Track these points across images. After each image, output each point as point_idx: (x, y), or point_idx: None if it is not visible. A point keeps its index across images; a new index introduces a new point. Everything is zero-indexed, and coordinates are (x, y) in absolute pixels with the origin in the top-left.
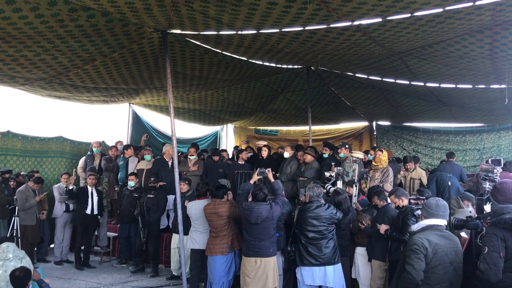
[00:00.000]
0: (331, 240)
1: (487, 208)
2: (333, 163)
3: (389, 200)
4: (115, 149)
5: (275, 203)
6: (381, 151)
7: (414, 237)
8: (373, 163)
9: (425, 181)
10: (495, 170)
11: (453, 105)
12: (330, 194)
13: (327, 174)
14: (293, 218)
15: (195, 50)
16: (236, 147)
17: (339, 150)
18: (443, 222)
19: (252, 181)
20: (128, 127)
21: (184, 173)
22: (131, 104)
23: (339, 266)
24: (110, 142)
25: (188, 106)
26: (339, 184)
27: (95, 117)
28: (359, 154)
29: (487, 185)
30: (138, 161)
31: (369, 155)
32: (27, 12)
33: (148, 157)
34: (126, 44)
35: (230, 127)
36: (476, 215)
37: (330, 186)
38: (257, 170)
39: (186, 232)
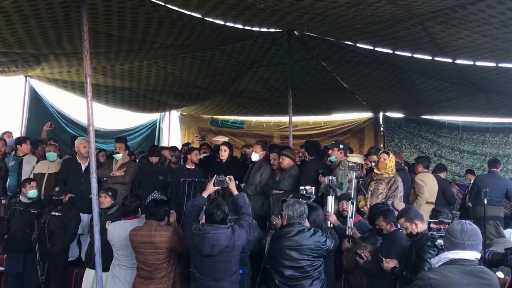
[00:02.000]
0: (316, 280)
1: None
2: (320, 171)
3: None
4: (3, 144)
5: (238, 226)
6: (387, 154)
7: (425, 272)
8: (376, 171)
9: (423, 190)
10: None
11: (492, 91)
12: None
13: (302, 189)
14: (263, 248)
15: (126, 1)
16: (186, 145)
17: (330, 152)
18: (472, 254)
19: (205, 194)
20: (23, 112)
21: (104, 179)
22: (28, 78)
23: None
24: None
25: (114, 84)
26: (330, 200)
27: None
28: (358, 158)
29: None
30: (37, 162)
31: (372, 163)
32: None
33: (52, 155)
34: None
35: (174, 115)
36: None
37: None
38: (214, 179)
39: (106, 267)
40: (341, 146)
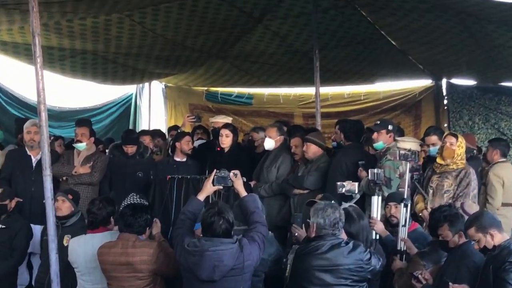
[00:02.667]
0: None
1: None
2: (360, 162)
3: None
4: None
5: (248, 240)
6: (455, 136)
7: None
8: (439, 160)
9: (496, 192)
10: None
11: None
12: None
13: (340, 185)
14: (283, 269)
15: None
16: (174, 129)
17: (374, 136)
18: None
19: (202, 197)
20: None
21: (64, 178)
22: None
23: None
24: None
25: (72, 46)
26: (375, 202)
27: None
28: (412, 144)
29: None
30: None
31: (430, 148)
32: None
33: None
34: None
35: (156, 88)
36: None
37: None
38: (213, 175)
39: None
40: (390, 127)
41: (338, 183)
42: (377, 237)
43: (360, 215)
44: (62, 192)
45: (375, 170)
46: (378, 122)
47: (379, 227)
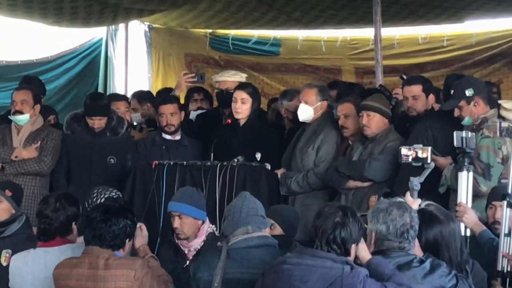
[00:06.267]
0: None
1: None
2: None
3: None
4: None
5: None
6: None
7: None
8: None
9: None
10: None
11: None
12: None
13: (404, 152)
14: None
15: None
16: (163, 93)
17: (455, 113)
18: None
19: None
20: None
21: None
22: None
23: None
24: None
25: None
26: (465, 181)
27: None
28: None
29: None
30: None
31: None
32: None
33: None
34: None
35: (136, 30)
36: None
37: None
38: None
39: None
40: (468, 93)
41: (402, 148)
42: (467, 233)
43: (449, 216)
44: None
45: (463, 133)
46: (452, 92)
47: (471, 218)
